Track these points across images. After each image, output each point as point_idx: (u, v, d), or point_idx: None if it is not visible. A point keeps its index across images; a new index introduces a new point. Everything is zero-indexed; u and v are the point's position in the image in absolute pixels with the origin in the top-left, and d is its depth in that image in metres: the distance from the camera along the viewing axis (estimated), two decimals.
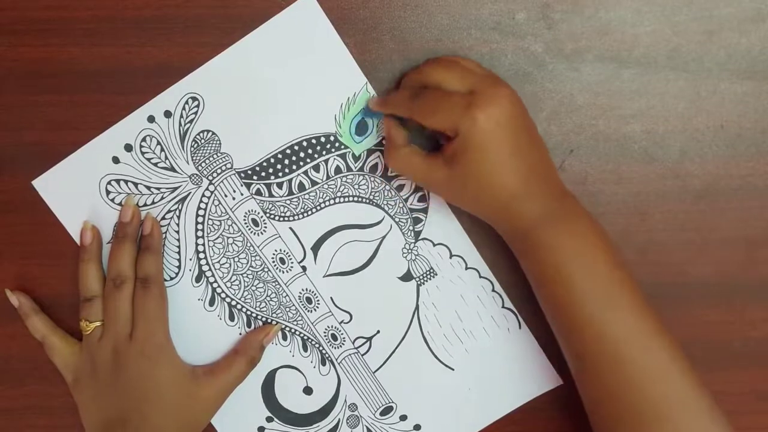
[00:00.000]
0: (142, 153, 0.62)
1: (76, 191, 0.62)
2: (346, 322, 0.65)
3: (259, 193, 0.63)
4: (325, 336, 0.65)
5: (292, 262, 0.64)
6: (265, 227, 0.63)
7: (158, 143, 0.62)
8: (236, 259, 0.64)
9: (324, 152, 0.62)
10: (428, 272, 0.65)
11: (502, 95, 0.55)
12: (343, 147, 0.63)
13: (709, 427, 0.54)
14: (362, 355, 0.66)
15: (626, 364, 0.55)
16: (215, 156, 0.62)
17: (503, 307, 0.65)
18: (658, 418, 0.54)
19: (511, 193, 0.56)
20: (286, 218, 0.63)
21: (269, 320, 0.65)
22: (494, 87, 0.56)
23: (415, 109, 0.57)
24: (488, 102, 0.54)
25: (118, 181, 0.62)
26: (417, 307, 0.65)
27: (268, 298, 0.64)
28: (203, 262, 0.64)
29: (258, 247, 0.64)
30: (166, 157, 0.62)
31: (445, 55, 0.61)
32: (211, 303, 0.64)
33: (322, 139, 0.62)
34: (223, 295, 0.64)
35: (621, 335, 0.55)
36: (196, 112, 0.61)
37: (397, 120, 0.60)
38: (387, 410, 0.67)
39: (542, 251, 0.56)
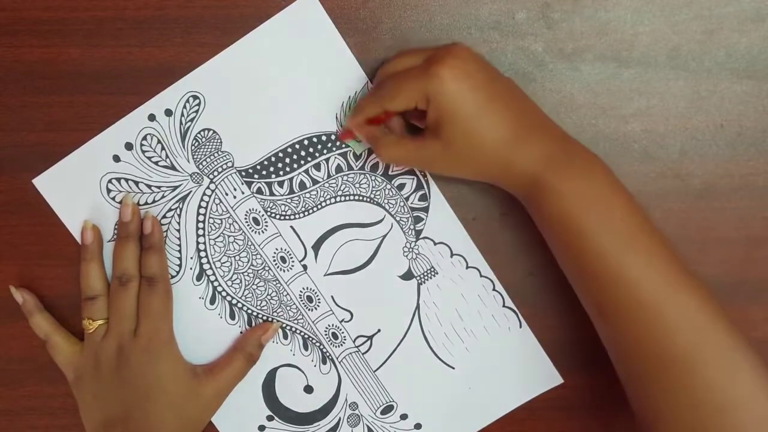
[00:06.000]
0: (143, 151, 0.62)
1: (77, 189, 0.62)
2: (347, 321, 0.65)
3: (260, 191, 0.63)
4: (325, 335, 0.65)
5: (292, 261, 0.64)
6: (266, 226, 0.63)
7: (159, 142, 0.62)
8: (237, 258, 0.64)
9: (325, 151, 0.63)
10: (429, 271, 0.65)
11: (459, 49, 0.54)
12: (344, 146, 0.63)
13: (742, 379, 0.51)
14: (363, 353, 0.66)
15: (648, 311, 0.52)
16: (216, 155, 0.62)
17: (504, 306, 0.65)
18: (685, 370, 0.51)
19: (502, 144, 0.54)
20: (287, 217, 0.63)
21: (270, 319, 0.65)
22: (450, 46, 0.55)
23: (382, 98, 0.56)
24: (448, 57, 0.53)
25: (119, 179, 0.62)
26: (418, 306, 0.65)
27: (269, 297, 0.64)
28: (204, 260, 0.64)
29: (259, 245, 0.64)
30: (167, 156, 0.62)
31: None
32: (212, 301, 0.64)
33: (323, 138, 0.62)
34: (223, 294, 0.64)
35: (641, 279, 0.52)
36: (197, 111, 0.61)
37: None
38: (387, 409, 0.67)
39: (549, 197, 0.54)
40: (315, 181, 0.63)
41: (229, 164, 0.62)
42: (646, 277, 0.52)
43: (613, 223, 0.53)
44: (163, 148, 0.62)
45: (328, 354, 0.66)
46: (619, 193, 0.55)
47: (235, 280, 0.64)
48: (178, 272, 0.64)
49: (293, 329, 0.65)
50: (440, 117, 0.54)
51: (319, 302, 0.65)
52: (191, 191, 0.63)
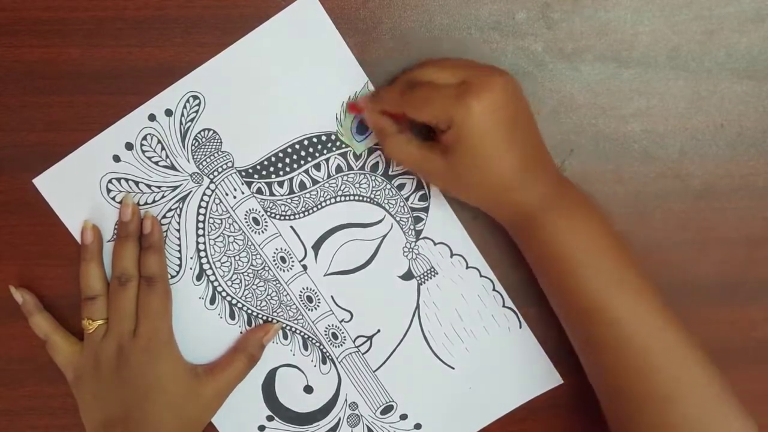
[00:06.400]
0: (143, 151, 0.62)
1: (77, 189, 0.62)
2: (347, 321, 0.65)
3: (260, 191, 0.63)
4: (325, 335, 0.65)
5: (292, 261, 0.64)
6: (266, 226, 0.63)
7: (159, 142, 0.61)
8: (237, 258, 0.64)
9: (325, 151, 0.63)
10: (429, 271, 0.65)
11: (495, 82, 0.53)
12: (344, 146, 0.63)
13: (718, 408, 0.54)
14: (363, 353, 0.66)
15: (633, 347, 0.54)
16: (216, 155, 0.62)
17: (504, 306, 0.65)
18: (664, 406, 0.53)
19: (508, 181, 0.55)
20: (287, 217, 0.63)
21: (270, 319, 0.65)
22: (488, 75, 0.54)
23: (407, 103, 0.56)
24: (481, 89, 0.53)
25: (119, 179, 0.62)
26: (417, 306, 0.65)
27: (269, 297, 0.64)
28: (204, 260, 0.63)
29: (259, 245, 0.63)
30: (167, 156, 0.62)
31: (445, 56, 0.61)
32: (212, 302, 0.64)
33: (323, 138, 0.62)
34: (223, 294, 0.64)
35: (629, 317, 0.54)
36: (197, 111, 0.61)
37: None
38: (387, 409, 0.67)
39: (543, 236, 0.56)
40: (315, 181, 0.63)
41: (229, 164, 0.62)
42: (634, 315, 0.54)
43: (602, 262, 0.55)
44: (163, 148, 0.62)
45: (327, 354, 0.66)
46: (609, 233, 0.56)
47: (235, 280, 0.64)
48: (178, 272, 0.64)
49: (293, 329, 0.65)
50: (457, 144, 0.54)
51: (319, 302, 0.65)
52: (191, 191, 0.63)
